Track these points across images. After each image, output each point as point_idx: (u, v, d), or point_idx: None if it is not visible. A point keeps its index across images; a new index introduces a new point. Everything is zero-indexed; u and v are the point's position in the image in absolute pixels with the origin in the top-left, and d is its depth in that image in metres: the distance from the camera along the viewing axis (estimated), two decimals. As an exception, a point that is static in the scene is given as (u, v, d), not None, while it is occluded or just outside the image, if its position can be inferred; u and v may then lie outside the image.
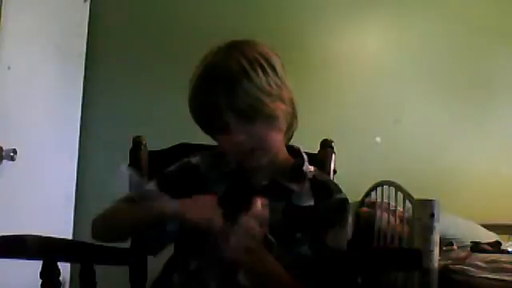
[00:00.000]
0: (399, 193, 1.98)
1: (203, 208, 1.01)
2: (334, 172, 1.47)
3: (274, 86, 1.08)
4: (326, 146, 1.48)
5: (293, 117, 1.15)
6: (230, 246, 0.94)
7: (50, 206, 2.20)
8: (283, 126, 1.12)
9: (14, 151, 1.84)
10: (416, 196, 1.84)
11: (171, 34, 2.80)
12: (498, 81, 3.00)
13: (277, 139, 1.13)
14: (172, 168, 1.23)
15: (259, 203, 0.97)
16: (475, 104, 2.96)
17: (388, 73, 2.94)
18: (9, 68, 1.86)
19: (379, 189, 2.23)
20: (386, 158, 2.80)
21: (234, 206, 0.98)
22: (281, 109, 1.09)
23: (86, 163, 2.57)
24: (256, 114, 1.06)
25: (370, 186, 2.37)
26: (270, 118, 1.08)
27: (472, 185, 2.85)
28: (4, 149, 1.82)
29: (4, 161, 1.82)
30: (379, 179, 2.25)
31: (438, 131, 2.91)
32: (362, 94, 2.88)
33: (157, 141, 1.50)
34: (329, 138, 1.48)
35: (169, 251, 1.23)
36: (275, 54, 1.13)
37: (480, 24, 2.99)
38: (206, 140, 1.26)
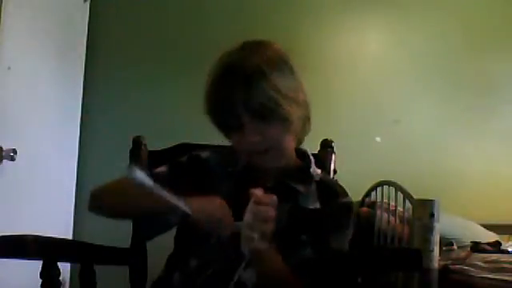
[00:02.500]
0: (399, 193, 1.98)
1: (214, 208, 1.00)
2: (334, 172, 1.47)
3: (290, 89, 1.08)
4: (326, 146, 1.48)
5: (306, 121, 1.15)
6: (244, 239, 0.93)
7: (50, 206, 2.20)
8: (297, 129, 1.13)
9: (14, 151, 1.84)
10: (416, 196, 1.84)
11: (171, 34, 2.80)
12: (498, 81, 3.00)
13: (290, 142, 1.13)
14: (183, 158, 1.23)
15: (259, 191, 0.95)
16: (475, 104, 2.96)
17: (388, 73, 2.94)
18: (9, 68, 1.86)
19: (379, 189, 2.23)
20: (386, 158, 2.79)
21: (241, 205, 0.97)
22: (296, 113, 1.09)
23: (85, 163, 2.56)
24: (271, 115, 1.06)
25: (370, 186, 2.36)
26: (285, 121, 1.08)
27: (472, 185, 2.84)
28: (4, 149, 1.82)
29: (4, 161, 1.82)
30: (379, 179, 2.24)
31: (438, 131, 2.91)
32: (362, 94, 2.88)
33: (157, 141, 1.50)
34: (329, 138, 1.48)
35: (169, 249, 1.23)
36: (289, 56, 1.13)
37: (480, 24, 2.99)
38: (206, 140, 1.26)
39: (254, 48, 1.11)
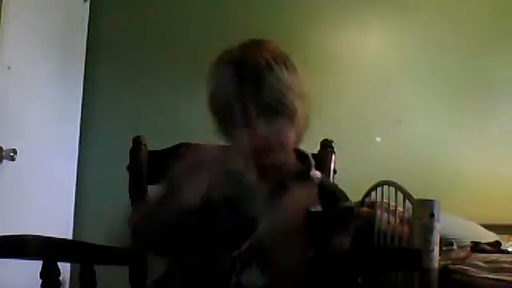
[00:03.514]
0: (399, 193, 1.98)
1: None
2: (334, 172, 1.47)
3: (295, 83, 1.10)
4: (326, 146, 1.48)
5: (306, 117, 1.16)
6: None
7: (50, 206, 2.20)
8: (299, 124, 1.13)
9: (14, 151, 1.84)
10: (416, 196, 1.84)
11: (171, 33, 2.80)
12: (498, 81, 2.99)
13: (291, 136, 1.14)
14: (178, 167, 1.19)
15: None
16: (475, 104, 2.96)
17: (388, 73, 2.93)
18: (9, 68, 1.86)
19: (379, 189, 2.23)
20: (386, 158, 2.79)
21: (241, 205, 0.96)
22: (300, 107, 1.11)
23: (85, 163, 2.56)
24: (279, 108, 1.08)
25: (370, 186, 2.36)
26: (291, 114, 1.10)
27: (472, 185, 2.84)
28: (4, 149, 1.83)
29: (4, 161, 1.83)
30: (379, 179, 2.24)
31: (438, 131, 2.90)
32: (362, 94, 2.88)
33: (157, 141, 1.50)
34: (329, 138, 1.48)
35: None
36: (288, 54, 1.15)
37: (481, 24, 2.99)
38: (206, 140, 1.26)
39: (255, 45, 1.13)
